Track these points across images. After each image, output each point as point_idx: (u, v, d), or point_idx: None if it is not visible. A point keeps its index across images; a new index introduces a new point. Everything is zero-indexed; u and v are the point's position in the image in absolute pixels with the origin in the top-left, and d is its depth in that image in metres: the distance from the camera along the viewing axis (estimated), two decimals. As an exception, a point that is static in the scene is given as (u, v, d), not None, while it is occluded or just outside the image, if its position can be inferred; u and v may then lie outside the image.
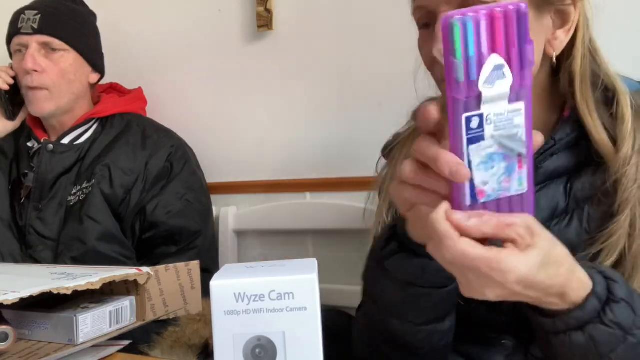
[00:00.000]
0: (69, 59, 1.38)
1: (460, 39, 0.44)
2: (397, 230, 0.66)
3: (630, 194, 0.67)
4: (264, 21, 1.47)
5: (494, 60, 0.45)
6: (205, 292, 0.56)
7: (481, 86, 0.45)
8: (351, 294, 1.35)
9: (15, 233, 1.37)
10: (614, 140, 0.69)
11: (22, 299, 0.70)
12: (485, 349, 0.76)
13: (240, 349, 0.48)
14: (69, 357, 0.75)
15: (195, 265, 0.91)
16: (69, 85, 1.38)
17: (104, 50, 1.50)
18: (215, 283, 0.48)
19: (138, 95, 1.55)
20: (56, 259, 1.31)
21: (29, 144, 1.44)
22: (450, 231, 0.48)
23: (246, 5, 1.51)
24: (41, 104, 1.37)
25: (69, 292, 0.74)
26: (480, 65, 0.45)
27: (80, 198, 1.34)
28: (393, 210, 0.83)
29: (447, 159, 0.47)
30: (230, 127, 1.57)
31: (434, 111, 0.48)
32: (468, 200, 0.47)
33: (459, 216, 0.48)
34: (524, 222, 0.49)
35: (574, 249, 0.57)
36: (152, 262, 1.25)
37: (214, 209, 1.53)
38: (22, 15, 1.37)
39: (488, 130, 0.46)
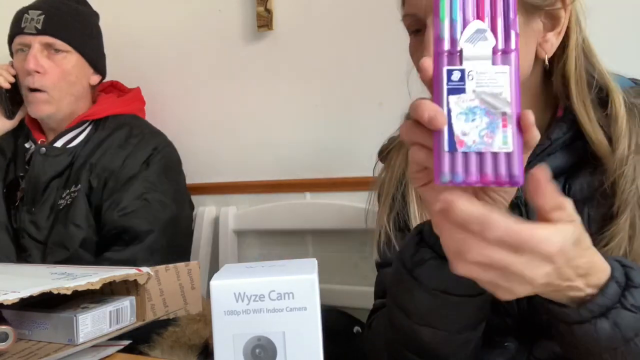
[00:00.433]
0: (71, 60, 1.38)
1: (446, 5, 0.50)
2: (424, 235, 0.64)
3: (629, 195, 0.67)
4: (264, 21, 1.47)
5: (477, 24, 0.50)
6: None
7: (462, 44, 0.50)
8: (351, 294, 1.36)
9: (11, 236, 1.35)
10: (610, 140, 0.69)
11: (22, 299, 0.70)
12: (488, 351, 0.76)
13: (240, 349, 0.48)
14: (69, 357, 0.75)
15: (195, 265, 0.91)
16: (69, 87, 1.38)
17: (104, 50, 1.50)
18: (215, 283, 0.48)
19: (136, 95, 1.54)
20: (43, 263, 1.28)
21: (27, 145, 1.43)
22: (486, 212, 0.47)
23: (246, 5, 1.51)
24: (40, 107, 1.36)
25: (69, 292, 0.74)
26: (463, 27, 0.50)
27: (68, 202, 1.32)
28: (394, 214, 0.83)
29: (426, 105, 0.49)
30: (230, 127, 1.57)
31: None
32: (446, 147, 0.49)
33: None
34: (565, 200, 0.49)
35: None
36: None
37: (214, 209, 1.53)
38: (26, 15, 1.36)
39: (470, 85, 0.49)
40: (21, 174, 1.39)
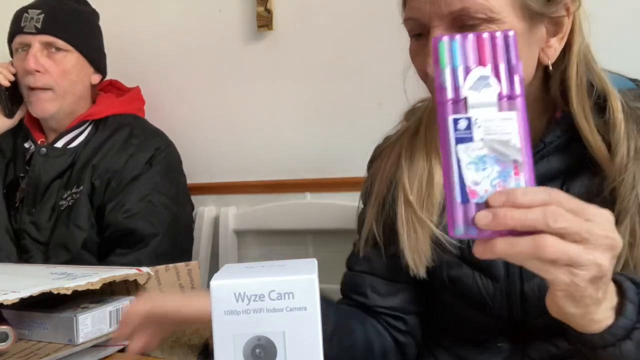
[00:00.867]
0: (71, 59, 1.37)
1: (446, 52, 0.49)
2: None
3: (629, 203, 0.66)
4: (264, 21, 1.47)
5: (480, 71, 0.49)
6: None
7: (466, 91, 0.49)
8: (351, 294, 1.36)
9: (12, 237, 1.35)
10: (609, 146, 0.69)
11: (22, 299, 0.70)
12: (481, 351, 0.76)
13: (240, 349, 0.48)
14: (69, 357, 0.75)
15: (195, 265, 0.91)
16: (71, 86, 1.37)
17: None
18: (215, 283, 0.48)
19: (135, 95, 1.54)
20: None
21: (26, 145, 1.42)
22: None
23: (246, 5, 1.51)
24: (44, 105, 1.35)
25: (69, 292, 0.74)
26: (465, 74, 0.49)
27: (70, 203, 1.31)
28: (383, 217, 0.82)
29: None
30: (230, 127, 1.57)
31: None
32: (458, 198, 0.48)
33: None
34: None
35: None
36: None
37: (214, 209, 1.53)
38: (25, 14, 1.35)
39: (477, 133, 0.48)
40: (21, 175, 1.38)
